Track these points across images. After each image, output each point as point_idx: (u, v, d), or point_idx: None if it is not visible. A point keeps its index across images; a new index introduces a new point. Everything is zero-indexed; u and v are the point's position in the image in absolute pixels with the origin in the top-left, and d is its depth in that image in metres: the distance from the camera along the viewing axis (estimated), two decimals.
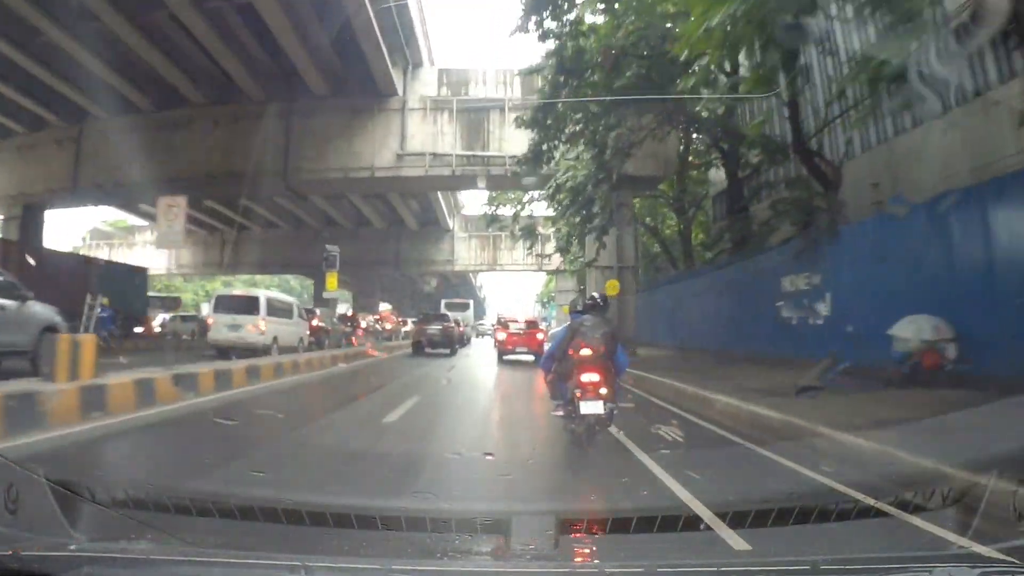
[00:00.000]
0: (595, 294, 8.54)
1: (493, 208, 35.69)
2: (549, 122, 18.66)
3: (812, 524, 3.89)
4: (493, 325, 37.48)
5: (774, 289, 18.00)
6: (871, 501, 4.50)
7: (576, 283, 49.91)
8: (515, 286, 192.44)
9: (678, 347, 24.79)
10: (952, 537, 3.62)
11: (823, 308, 16.04)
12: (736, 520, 4.16)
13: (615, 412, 7.49)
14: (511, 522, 3.91)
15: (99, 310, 12.34)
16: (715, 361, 18.99)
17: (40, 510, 3.12)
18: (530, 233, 32.93)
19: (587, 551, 3.87)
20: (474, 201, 61.44)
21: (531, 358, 23.80)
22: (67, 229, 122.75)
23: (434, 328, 30.00)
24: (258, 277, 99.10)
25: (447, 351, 29.49)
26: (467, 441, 8.53)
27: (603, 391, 7.24)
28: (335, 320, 32.22)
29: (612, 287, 23.36)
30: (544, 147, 19.63)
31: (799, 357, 15.02)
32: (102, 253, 60.53)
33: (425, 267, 50.76)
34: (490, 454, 7.33)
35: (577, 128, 19.04)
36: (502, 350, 24.82)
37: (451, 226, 49.55)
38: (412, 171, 26.17)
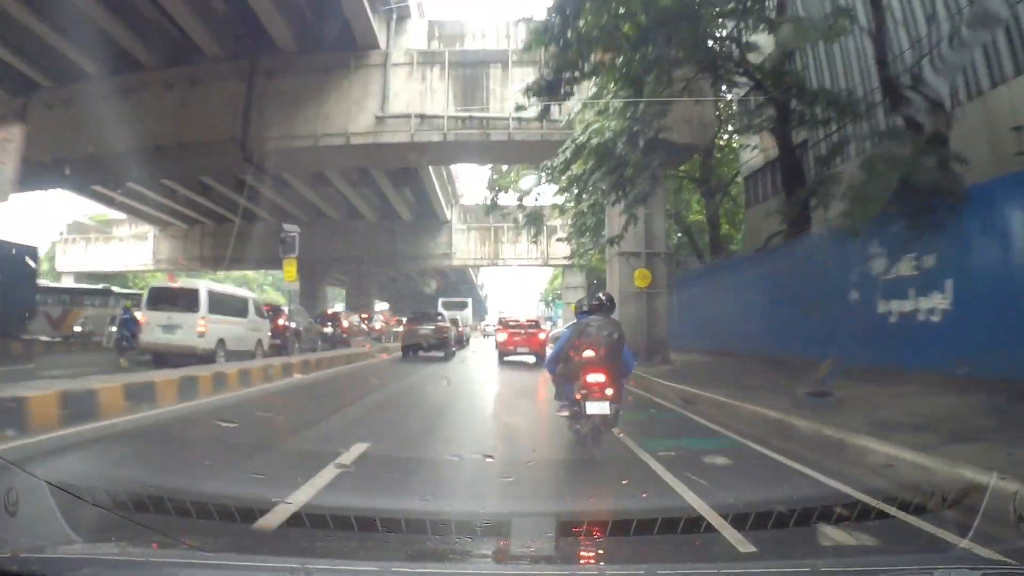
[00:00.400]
0: (601, 295, 8.29)
1: (494, 193, 31.09)
2: (570, 36, 13.84)
3: (814, 526, 3.86)
4: (493, 325, 35.64)
5: (860, 278, 13.57)
6: (873, 502, 4.48)
7: (585, 279, 45.57)
8: (518, 283, 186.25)
9: (719, 351, 20.32)
10: (953, 538, 3.53)
11: (941, 300, 11.64)
12: (738, 522, 4.11)
13: (620, 413, 7.44)
14: (511, 524, 4.06)
15: None
16: (775, 370, 14.59)
17: (40, 512, 3.05)
18: (535, 219, 28.56)
19: (587, 553, 3.77)
20: (474, 191, 56.66)
21: (532, 359, 22.78)
22: (47, 223, 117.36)
23: (426, 328, 26.62)
24: (251, 274, 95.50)
25: (441, 354, 26.14)
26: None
27: (609, 392, 7.21)
28: (312, 320, 27.63)
29: (642, 278, 18.99)
30: (564, 75, 14.88)
31: (906, 366, 11.49)
32: (78, 248, 55.99)
33: (421, 262, 46.42)
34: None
35: (606, 58, 14.39)
36: (503, 351, 23.72)
37: (449, 217, 45.17)
38: (394, 136, 21.65)
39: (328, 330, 32.16)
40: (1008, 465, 4.87)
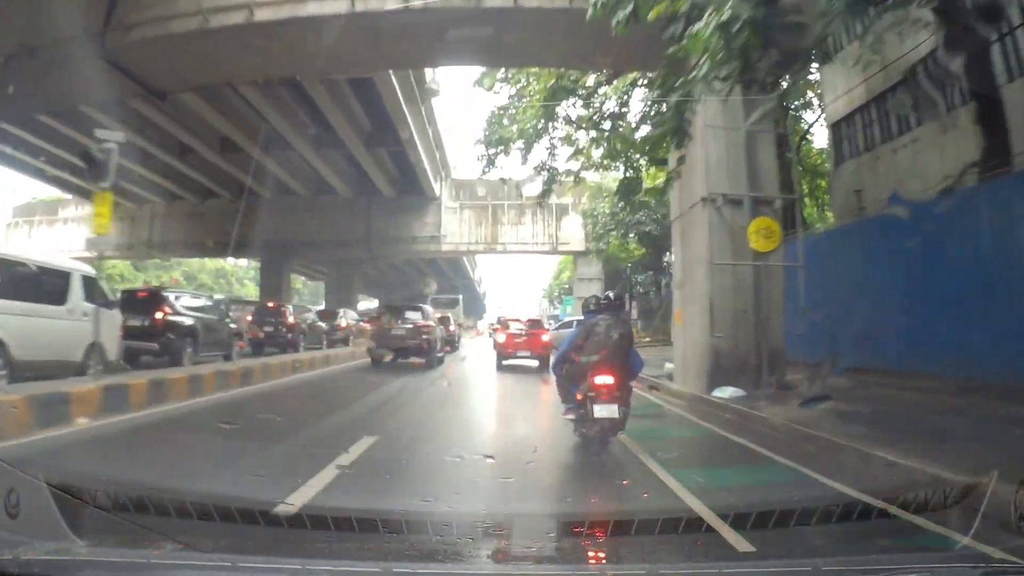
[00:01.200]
0: (610, 293, 8.40)
1: (492, 151, 22.56)
2: None
3: (815, 525, 3.86)
4: (491, 325, 31.91)
5: None
6: (874, 501, 4.46)
7: (601, 269, 37.17)
8: (520, 278, 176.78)
9: (871, 368, 11.87)
10: (954, 537, 3.53)
11: None
12: (738, 522, 4.08)
13: (628, 416, 7.22)
14: (512, 525, 4.07)
15: None
16: None
17: (41, 514, 3.01)
18: (550, 177, 20.53)
19: (588, 553, 3.75)
20: (467, 164, 47.86)
21: (535, 363, 20.53)
22: None
23: (400, 329, 19.74)
24: (229, 265, 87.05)
25: (422, 361, 19.71)
26: None
27: (617, 394, 7.06)
28: (227, 309, 19.33)
29: (765, 234, 10.67)
30: None
31: None
32: (21, 232, 48.61)
33: (404, 247, 38.23)
34: None
35: None
36: (502, 354, 20.78)
37: (437, 193, 37.13)
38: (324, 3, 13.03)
39: (268, 329, 23.89)
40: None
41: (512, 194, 37.53)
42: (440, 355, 21.62)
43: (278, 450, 6.96)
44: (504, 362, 20.67)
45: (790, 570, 2.81)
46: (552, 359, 9.46)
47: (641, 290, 38.88)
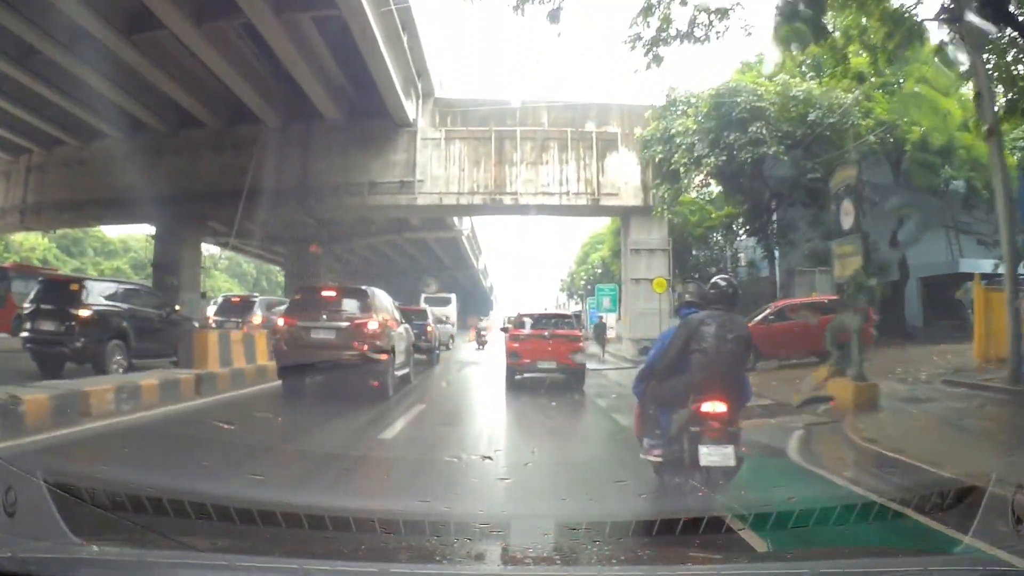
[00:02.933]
0: (721, 278, 5.97)
1: None
2: None
3: (814, 526, 3.95)
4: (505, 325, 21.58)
5: None
6: (876, 499, 4.69)
7: (667, 236, 23.23)
8: (533, 267, 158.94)
9: None
10: (953, 539, 3.66)
11: None
12: (738, 522, 4.11)
13: (743, 463, 5.29)
14: (510, 526, 4.12)
15: None
16: None
17: (38, 513, 3.01)
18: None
19: (586, 554, 3.72)
20: (460, 82, 33.76)
21: (561, 376, 15.17)
22: None
23: (324, 330, 12.01)
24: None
25: (374, 384, 12.00)
26: None
27: (732, 430, 5.25)
28: None
29: None
30: None
31: None
32: None
33: (357, 198, 24.66)
34: None
35: None
36: (516, 367, 14.99)
37: (411, 116, 23.36)
38: None
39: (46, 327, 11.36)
40: None
41: (528, 118, 23.58)
42: (403, 372, 13.84)
43: None
44: (518, 376, 15.15)
45: (790, 571, 2.89)
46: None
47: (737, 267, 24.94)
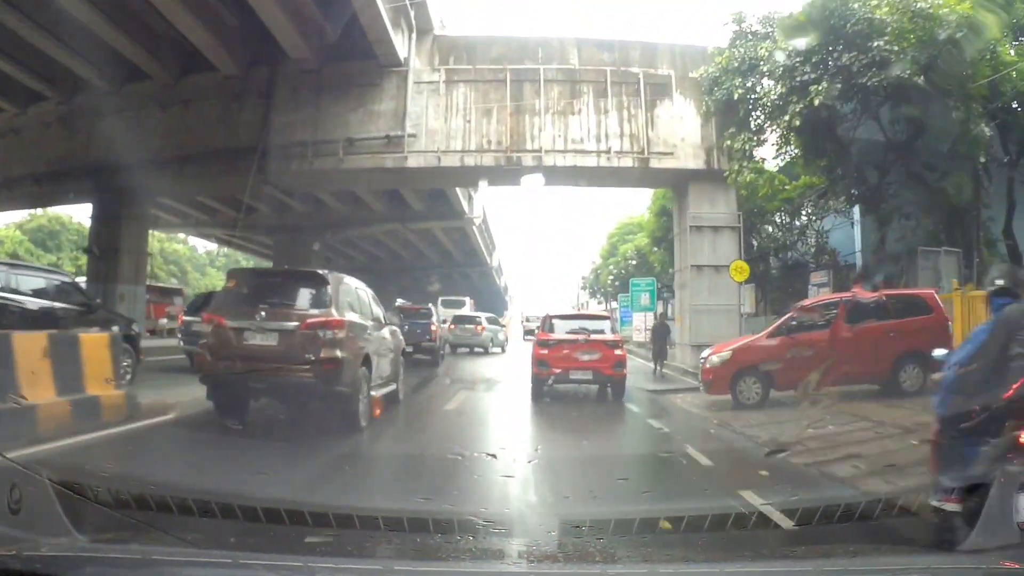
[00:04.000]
0: None
1: None
2: None
3: (815, 526, 3.94)
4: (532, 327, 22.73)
5: None
6: (881, 497, 4.64)
7: (736, 210, 17.24)
8: (551, 263, 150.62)
9: None
10: (956, 539, 3.45)
11: None
12: (740, 522, 4.14)
13: None
14: (513, 523, 4.27)
15: None
16: None
17: (43, 510, 2.95)
18: None
19: (590, 552, 3.72)
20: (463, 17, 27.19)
21: (594, 385, 13.33)
22: None
23: (262, 334, 8.52)
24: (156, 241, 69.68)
25: (340, 418, 8.74)
26: None
27: None
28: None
29: None
30: None
31: None
32: None
33: (330, 159, 18.80)
34: None
35: None
36: (542, 376, 12.82)
37: (402, 54, 17.40)
38: None
39: None
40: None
41: (554, 57, 17.84)
42: (386, 390, 10.37)
43: None
44: (547, 386, 12.85)
45: (795, 569, 2.92)
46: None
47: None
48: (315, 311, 8.55)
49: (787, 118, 14.62)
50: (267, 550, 3.17)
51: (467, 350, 27.33)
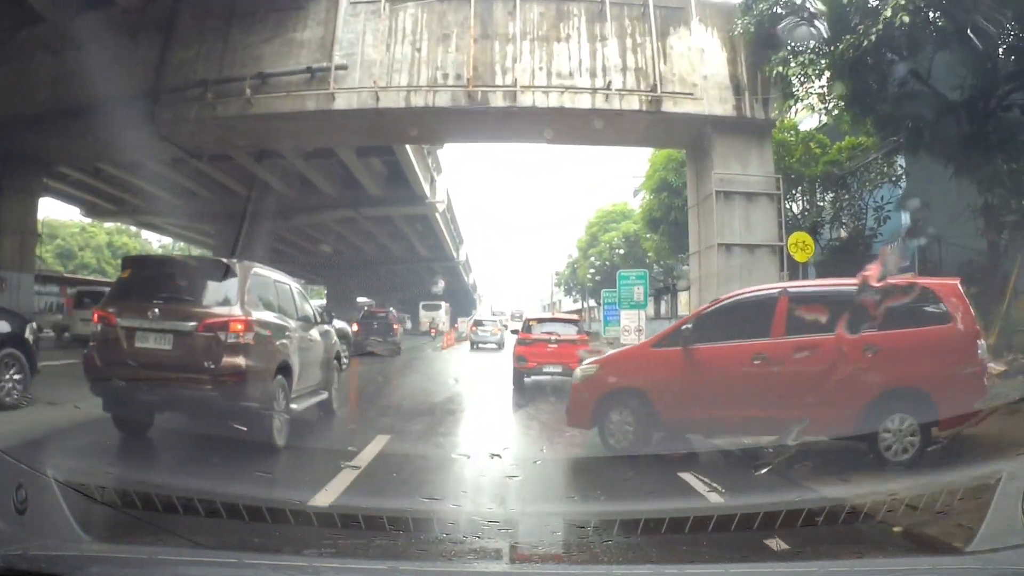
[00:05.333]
0: None
1: None
2: None
3: (822, 527, 3.93)
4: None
5: None
6: (887, 499, 4.42)
7: (773, 170, 12.44)
8: (528, 253, 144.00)
9: None
10: (961, 539, 3.53)
11: None
12: (744, 522, 4.02)
13: None
14: (518, 523, 4.14)
15: None
16: None
17: (49, 510, 2.97)
18: None
19: (594, 552, 3.73)
20: None
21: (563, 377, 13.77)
22: None
23: (154, 337, 7.12)
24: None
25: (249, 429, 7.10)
26: None
27: None
28: None
29: None
30: None
31: None
32: None
33: (235, 100, 14.01)
34: None
35: None
36: (523, 370, 14.92)
37: None
38: None
39: None
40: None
41: None
42: (313, 400, 8.86)
43: None
44: (527, 378, 14.93)
45: (800, 570, 2.90)
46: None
47: None
48: (218, 308, 7.29)
49: (843, 47, 10.34)
50: (272, 550, 3.17)
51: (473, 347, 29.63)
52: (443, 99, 13.22)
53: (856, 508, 4.24)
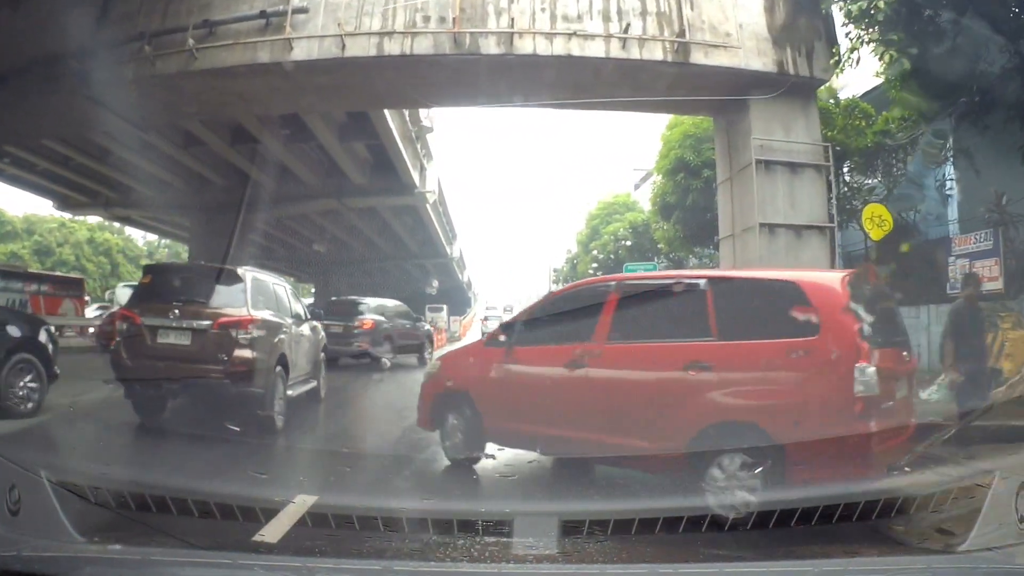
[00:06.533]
0: None
1: None
2: None
3: (816, 525, 3.81)
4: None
5: None
6: (882, 498, 4.30)
7: (820, 134, 10.01)
8: (524, 248, 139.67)
9: None
10: (956, 538, 3.49)
11: None
12: (740, 521, 4.11)
13: None
14: (513, 523, 3.94)
15: None
16: None
17: (42, 511, 2.95)
18: None
19: (589, 552, 3.70)
20: None
21: None
22: None
23: (175, 334, 8.68)
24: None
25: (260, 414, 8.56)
26: None
27: None
28: None
29: None
30: None
31: None
32: None
33: (178, 61, 11.94)
34: None
35: None
36: None
37: None
38: None
39: None
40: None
41: None
42: (304, 388, 9.97)
43: None
44: None
45: (791, 569, 2.91)
46: None
47: None
48: (229, 310, 8.60)
49: None
50: (267, 551, 3.15)
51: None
52: (423, 45, 10.76)
53: (850, 507, 4.07)
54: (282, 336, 9.13)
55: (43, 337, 8.67)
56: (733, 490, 4.57)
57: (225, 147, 26.86)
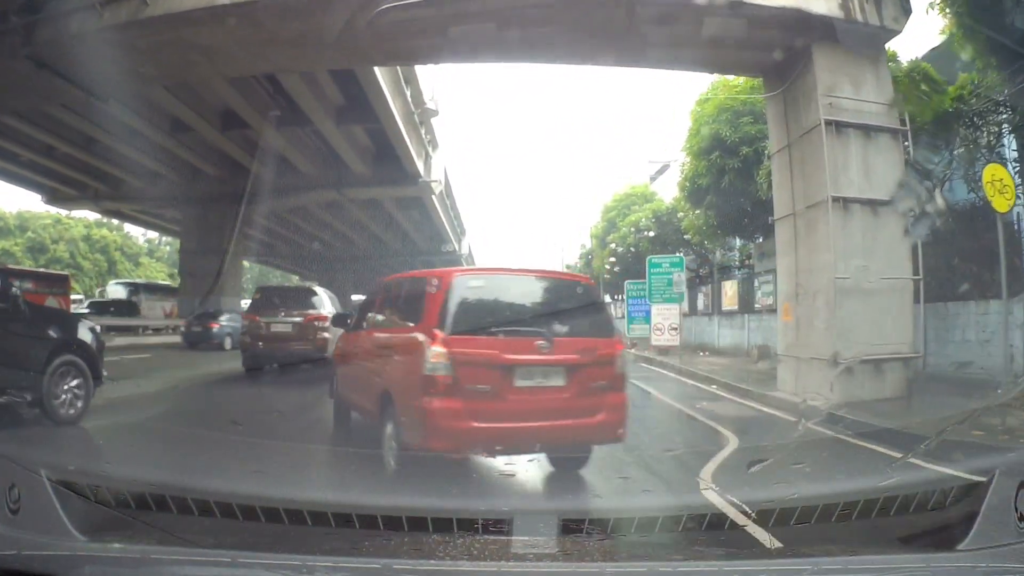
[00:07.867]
0: None
1: None
2: None
3: (815, 524, 3.74)
4: None
5: None
6: (880, 496, 4.18)
7: (893, 93, 7.87)
8: (534, 244, 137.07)
9: None
10: (954, 538, 3.16)
11: None
12: (740, 519, 4.22)
13: None
14: (513, 521, 3.83)
15: None
16: None
17: (42, 510, 2.91)
18: None
19: (589, 551, 3.60)
20: None
21: None
22: None
23: (281, 324, 14.68)
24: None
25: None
26: None
27: None
28: None
29: None
30: None
31: None
32: None
33: (128, 6, 9.27)
34: None
35: None
36: None
37: None
38: None
39: None
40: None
41: None
42: None
43: None
44: None
45: (793, 567, 2.88)
46: None
47: None
48: (312, 311, 14.36)
49: None
50: (266, 549, 3.12)
51: None
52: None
53: (849, 505, 3.89)
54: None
55: (88, 337, 8.52)
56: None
57: (215, 133, 25.32)
